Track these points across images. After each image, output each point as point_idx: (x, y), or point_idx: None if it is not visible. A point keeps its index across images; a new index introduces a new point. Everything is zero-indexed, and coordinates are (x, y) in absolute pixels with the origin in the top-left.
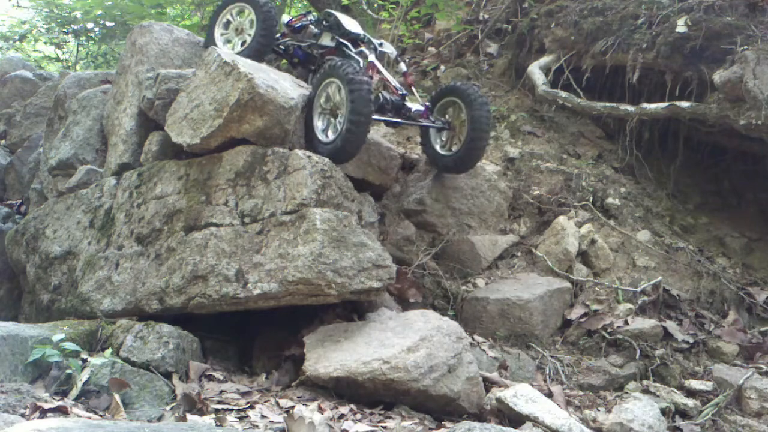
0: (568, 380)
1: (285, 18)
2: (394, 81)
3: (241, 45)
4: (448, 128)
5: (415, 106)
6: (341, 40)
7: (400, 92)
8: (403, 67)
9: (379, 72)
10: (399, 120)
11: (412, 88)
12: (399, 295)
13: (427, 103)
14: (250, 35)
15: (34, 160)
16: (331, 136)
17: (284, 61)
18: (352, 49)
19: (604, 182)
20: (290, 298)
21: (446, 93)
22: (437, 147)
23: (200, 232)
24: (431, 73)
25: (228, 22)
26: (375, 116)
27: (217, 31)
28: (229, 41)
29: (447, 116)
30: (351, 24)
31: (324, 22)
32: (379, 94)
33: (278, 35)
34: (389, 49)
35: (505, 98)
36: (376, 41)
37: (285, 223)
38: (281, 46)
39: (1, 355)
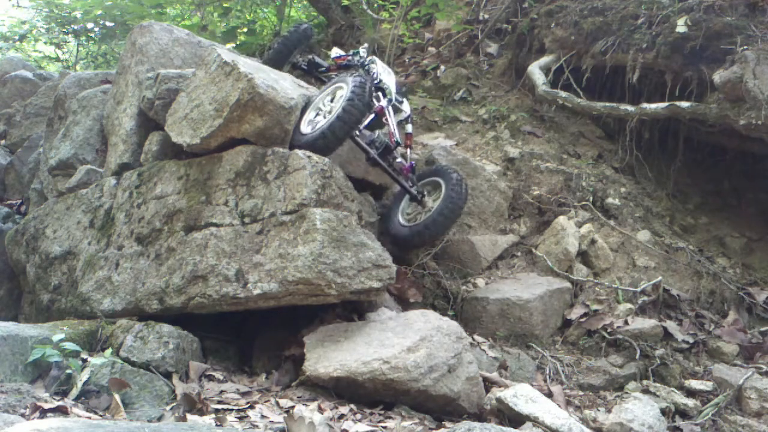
0: (568, 380)
1: (334, 52)
2: (397, 133)
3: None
4: (419, 201)
5: (400, 159)
6: None
7: (395, 140)
8: (409, 128)
9: (387, 118)
10: (380, 162)
11: (409, 149)
12: (399, 295)
13: (412, 162)
14: None
15: (34, 160)
16: (311, 129)
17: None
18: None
19: (604, 182)
20: (290, 298)
21: (432, 173)
22: (400, 217)
23: (200, 232)
24: (431, 73)
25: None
26: (359, 141)
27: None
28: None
29: (425, 193)
30: (385, 75)
31: (365, 68)
32: (376, 132)
33: (324, 67)
34: (406, 108)
35: (505, 98)
36: (399, 98)
37: (285, 223)
38: (326, 77)
39: (1, 355)
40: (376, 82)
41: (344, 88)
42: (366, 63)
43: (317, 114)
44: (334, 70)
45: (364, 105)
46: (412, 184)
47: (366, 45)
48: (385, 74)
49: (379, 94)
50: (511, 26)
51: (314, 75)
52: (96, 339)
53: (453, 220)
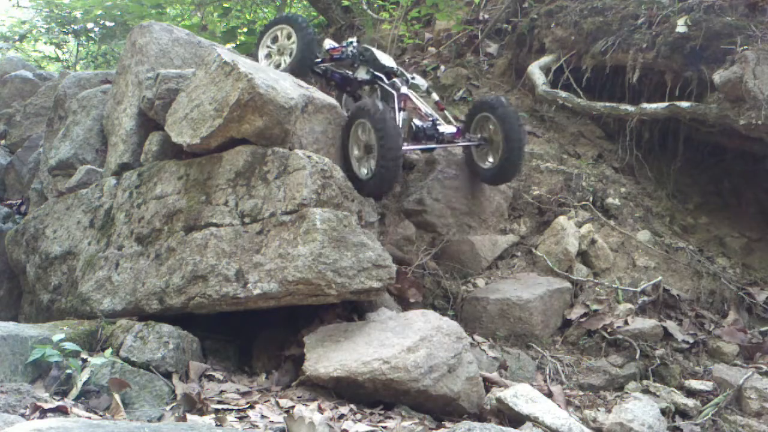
0: (568, 380)
1: (327, 44)
2: (426, 108)
3: (288, 58)
4: (485, 144)
5: (448, 129)
6: (376, 73)
7: (431, 118)
8: (435, 97)
9: (411, 102)
10: (434, 145)
11: (445, 112)
12: (399, 295)
13: (459, 124)
14: (290, 54)
15: (34, 160)
16: (365, 171)
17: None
18: (386, 81)
19: (604, 182)
20: (290, 298)
21: (479, 109)
22: (477, 161)
23: (200, 232)
24: (431, 73)
25: (275, 38)
26: (409, 146)
27: (262, 48)
28: (270, 56)
29: (484, 132)
30: (386, 59)
31: (361, 57)
32: (412, 124)
33: (318, 59)
34: (420, 81)
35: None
36: (408, 75)
37: (285, 223)
38: (320, 69)
39: (1, 355)
40: (387, 69)
41: (366, 124)
42: (362, 53)
43: (357, 146)
44: (328, 62)
45: (398, 151)
46: (470, 138)
47: (353, 39)
48: (386, 59)
49: (395, 80)
50: (511, 26)
51: (315, 72)
52: (96, 339)
53: (520, 155)
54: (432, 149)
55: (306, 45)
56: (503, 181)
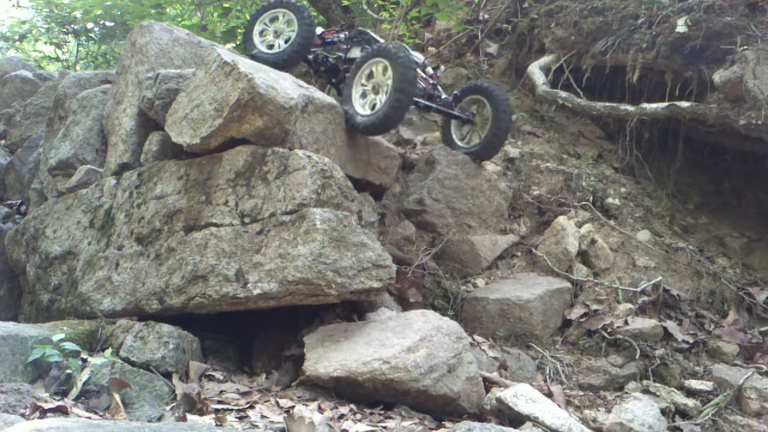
0: (568, 380)
1: (318, 30)
2: (425, 76)
3: (283, 43)
4: (471, 122)
5: (444, 95)
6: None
7: (432, 82)
8: (429, 70)
9: None
10: (431, 104)
11: (439, 86)
12: (399, 295)
13: (456, 93)
14: (290, 37)
15: (34, 160)
16: (368, 110)
17: None
18: None
19: (604, 182)
20: (290, 298)
21: (472, 91)
22: (456, 138)
23: (200, 232)
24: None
25: (275, 18)
26: (417, 102)
27: (258, 24)
28: (264, 34)
29: (471, 111)
30: (379, 39)
31: (355, 39)
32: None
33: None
34: (417, 56)
35: None
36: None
37: (285, 223)
38: (311, 54)
39: (1, 355)
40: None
41: (384, 63)
42: (355, 35)
43: (361, 89)
44: (319, 47)
45: (413, 91)
46: (461, 111)
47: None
48: (380, 39)
49: None
50: (511, 26)
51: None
52: (96, 339)
53: (505, 138)
54: (430, 107)
55: (306, 32)
56: (481, 160)
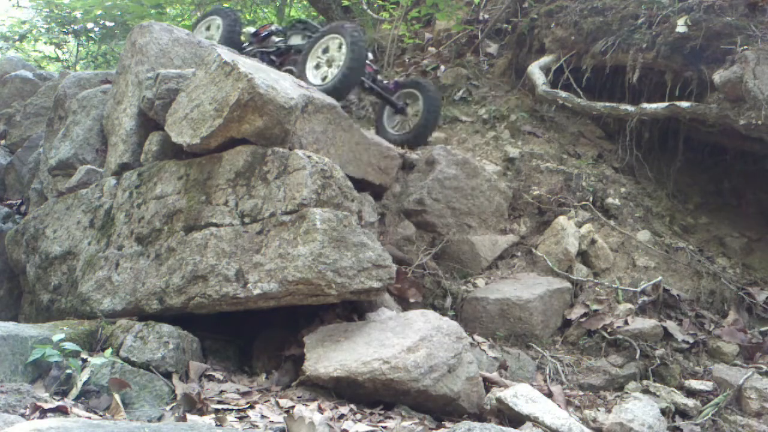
0: (568, 380)
1: (250, 29)
2: (369, 63)
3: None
4: (403, 112)
5: (385, 81)
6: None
7: (374, 68)
8: (370, 56)
9: None
10: (375, 86)
11: (378, 76)
12: (399, 295)
13: (396, 81)
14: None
15: (34, 160)
16: (319, 81)
17: None
18: None
19: (604, 182)
20: (290, 298)
21: (409, 85)
22: (387, 125)
23: (200, 232)
24: (431, 73)
25: (209, 26)
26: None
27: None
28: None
29: (406, 102)
30: (318, 25)
31: (294, 27)
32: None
33: (245, 43)
34: None
35: (505, 98)
36: None
37: (285, 223)
38: (246, 54)
39: (1, 355)
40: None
41: (339, 39)
42: (294, 24)
43: (316, 61)
44: (257, 44)
45: (363, 61)
46: (399, 99)
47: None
48: (319, 25)
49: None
50: (511, 26)
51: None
52: (96, 339)
53: (434, 125)
54: (373, 89)
55: (228, 31)
56: (409, 147)
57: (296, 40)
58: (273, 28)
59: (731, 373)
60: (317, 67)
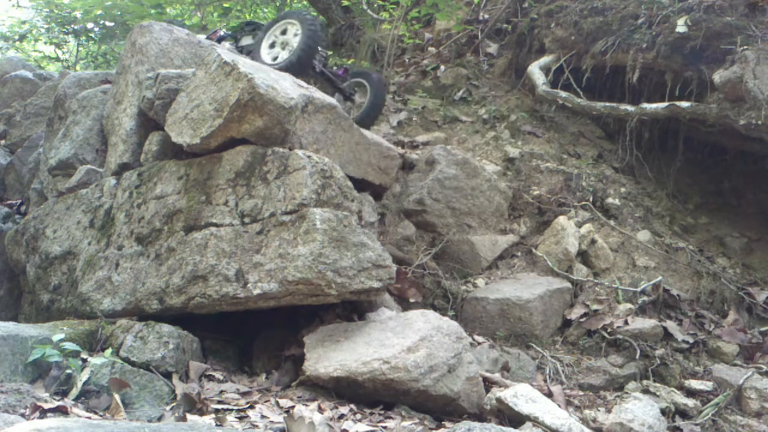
0: (568, 380)
1: (201, 36)
2: (320, 51)
3: None
4: (351, 99)
5: (335, 68)
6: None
7: (324, 56)
8: (323, 45)
9: None
10: (326, 71)
11: (327, 64)
12: (399, 295)
13: (345, 67)
14: None
15: (34, 160)
16: (270, 60)
17: None
18: None
19: (604, 182)
20: (290, 298)
21: (359, 74)
22: None
23: (200, 232)
24: (431, 73)
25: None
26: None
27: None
28: None
29: (354, 90)
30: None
31: (244, 29)
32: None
33: None
34: None
35: (505, 98)
36: None
37: (285, 223)
38: None
39: (1, 355)
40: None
41: (296, 25)
42: (244, 27)
43: (271, 44)
44: None
45: (317, 42)
46: (348, 86)
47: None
48: None
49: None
50: (511, 26)
51: None
52: (96, 339)
53: (378, 112)
54: (324, 73)
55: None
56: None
57: (247, 41)
58: (222, 33)
59: (731, 373)
60: (272, 46)
